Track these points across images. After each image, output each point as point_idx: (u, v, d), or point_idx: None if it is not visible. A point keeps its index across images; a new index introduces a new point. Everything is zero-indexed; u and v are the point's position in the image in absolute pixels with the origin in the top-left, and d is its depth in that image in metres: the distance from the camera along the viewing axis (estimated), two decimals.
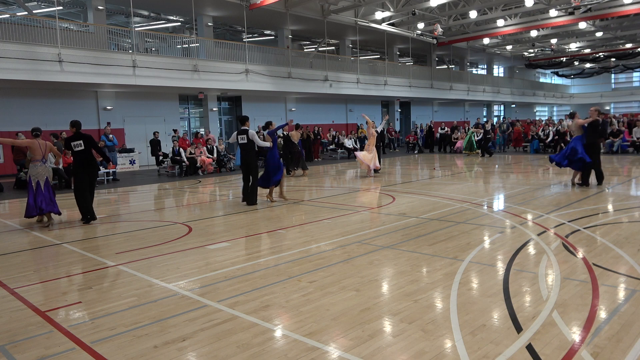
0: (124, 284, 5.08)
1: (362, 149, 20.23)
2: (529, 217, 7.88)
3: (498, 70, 46.70)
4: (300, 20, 24.68)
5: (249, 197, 10.03)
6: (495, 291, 4.45)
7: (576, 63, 42.03)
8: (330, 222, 7.97)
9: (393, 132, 30.58)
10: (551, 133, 23.00)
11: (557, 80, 51.87)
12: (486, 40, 33.02)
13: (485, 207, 9.05)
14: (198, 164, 17.65)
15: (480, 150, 22.25)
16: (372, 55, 35.98)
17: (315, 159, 23.27)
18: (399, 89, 30.07)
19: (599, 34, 32.85)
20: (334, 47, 32.65)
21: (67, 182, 14.46)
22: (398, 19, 26.96)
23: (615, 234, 6.49)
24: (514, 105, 45.48)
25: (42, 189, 8.28)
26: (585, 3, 24.41)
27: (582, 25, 28.67)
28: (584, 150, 10.81)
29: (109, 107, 20.77)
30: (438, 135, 27.46)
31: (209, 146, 18.49)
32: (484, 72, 44.29)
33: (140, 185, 15.08)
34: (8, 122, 18.00)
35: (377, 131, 15.57)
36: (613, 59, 40.90)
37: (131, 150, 20.63)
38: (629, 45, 37.60)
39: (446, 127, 27.28)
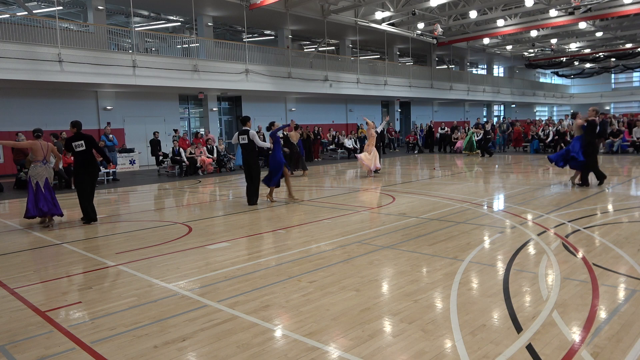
0: (124, 284, 5.08)
1: (362, 149, 20.24)
2: (529, 217, 7.88)
3: (498, 70, 46.70)
4: (300, 20, 24.68)
5: (250, 197, 10.05)
6: (495, 291, 4.45)
7: (576, 63, 42.03)
8: (330, 222, 7.97)
9: (393, 132, 30.58)
10: (551, 133, 23.00)
11: (557, 80, 51.88)
12: (486, 40, 33.02)
13: (485, 207, 9.05)
14: (198, 164, 17.66)
15: (480, 151, 22.24)
16: (372, 55, 35.98)
17: (315, 159, 23.28)
18: (399, 89, 30.07)
19: (599, 34, 32.85)
20: (334, 47, 32.65)
21: (67, 182, 14.47)
22: (398, 19, 26.96)
23: (615, 234, 6.49)
24: (514, 105, 45.49)
25: (42, 189, 8.27)
26: (585, 3, 24.41)
27: (582, 25, 28.66)
28: (580, 150, 10.85)
29: (109, 107, 20.77)
30: (438, 135, 27.46)
31: (209, 146, 18.50)
32: (484, 72, 44.29)
33: (140, 185, 15.08)
34: (8, 122, 18.01)
35: (376, 132, 15.58)
36: (613, 59, 40.90)
37: (131, 150, 20.63)
38: (629, 45, 37.60)
39: (446, 127, 27.28)
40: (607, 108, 48.00)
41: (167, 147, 19.83)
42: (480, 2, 24.88)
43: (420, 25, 27.56)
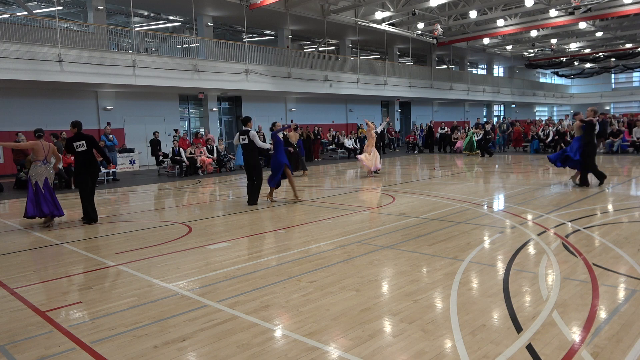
0: (124, 284, 5.08)
1: (361, 149, 20.24)
2: (529, 217, 7.88)
3: (498, 70, 46.70)
4: (300, 20, 24.68)
5: (250, 197, 10.06)
6: (495, 291, 4.45)
7: (576, 63, 42.03)
8: (330, 222, 7.97)
9: (393, 132, 30.58)
10: (551, 133, 23.00)
11: (557, 80, 51.87)
12: (486, 40, 33.02)
13: (485, 207, 9.05)
14: (198, 164, 17.66)
15: (480, 151, 22.24)
16: (372, 55, 35.98)
17: (315, 159, 23.28)
18: (399, 89, 30.07)
19: (599, 34, 32.85)
20: (334, 47, 32.65)
21: (67, 182, 14.47)
22: (398, 19, 26.96)
23: (615, 234, 6.49)
24: (514, 105, 45.49)
25: (41, 189, 8.26)
26: (585, 3, 24.41)
27: (582, 25, 28.66)
28: (577, 150, 10.91)
29: (109, 107, 20.77)
30: (438, 135, 27.46)
31: (209, 146, 18.50)
32: (484, 72, 44.30)
33: (140, 185, 15.08)
34: (8, 122, 18.01)
35: (376, 132, 15.57)
36: (613, 59, 40.90)
37: (131, 150, 20.63)
38: (629, 45, 37.60)
39: (446, 127, 27.27)
40: (607, 108, 48.01)
41: (167, 147, 19.84)
42: (480, 2, 24.88)
43: (420, 25, 27.56)
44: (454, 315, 3.92)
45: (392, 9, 24.70)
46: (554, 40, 34.62)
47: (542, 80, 51.66)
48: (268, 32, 29.40)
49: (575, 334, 3.50)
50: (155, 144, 19.07)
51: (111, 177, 16.33)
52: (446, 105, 39.06)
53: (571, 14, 25.23)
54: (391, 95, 30.67)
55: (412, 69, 31.94)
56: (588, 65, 43.18)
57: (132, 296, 4.64)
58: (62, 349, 3.54)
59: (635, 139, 20.75)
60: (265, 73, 22.60)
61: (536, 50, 40.07)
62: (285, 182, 10.82)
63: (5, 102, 18.12)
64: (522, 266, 5.18)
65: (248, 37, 26.24)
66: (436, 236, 6.72)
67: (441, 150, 27.01)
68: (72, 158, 9.15)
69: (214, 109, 24.56)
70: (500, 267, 5.22)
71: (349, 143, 24.25)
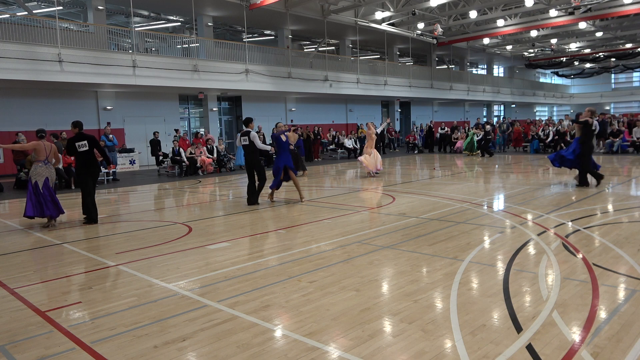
0: (124, 284, 5.09)
1: (361, 149, 20.23)
2: (529, 217, 7.88)
3: (498, 70, 46.70)
4: (300, 20, 24.68)
5: (250, 197, 10.06)
6: (495, 291, 4.45)
7: (576, 63, 42.04)
8: (330, 222, 7.97)
9: (393, 132, 30.58)
10: (551, 133, 23.00)
11: (557, 80, 51.88)
12: (486, 40, 33.02)
13: (485, 207, 9.05)
14: (198, 164, 17.66)
15: (480, 151, 22.24)
16: (372, 55, 35.98)
17: (315, 159, 23.28)
18: (399, 89, 30.07)
19: (599, 34, 32.86)
20: (334, 47, 32.65)
21: (67, 182, 14.47)
22: (398, 19, 26.96)
23: (615, 234, 6.49)
24: (514, 105, 45.50)
25: (40, 189, 8.25)
26: (585, 3, 24.41)
27: (582, 25, 28.67)
28: (573, 149, 10.98)
29: (109, 107, 20.78)
30: (438, 135, 27.46)
31: (209, 146, 18.50)
32: (484, 72, 44.30)
33: (140, 185, 15.08)
34: (8, 122, 18.01)
35: (376, 133, 15.54)
36: (613, 59, 40.91)
37: (131, 150, 20.63)
38: (629, 45, 37.60)
39: (446, 127, 27.27)
40: (607, 108, 48.02)
41: (167, 147, 19.84)
42: (480, 2, 24.88)
43: (420, 25, 27.56)
44: (454, 315, 3.92)
45: (392, 9, 24.70)
46: (554, 40, 34.62)
47: (542, 80, 51.67)
48: (268, 32, 29.40)
49: (575, 334, 3.51)
50: (155, 144, 19.07)
51: (111, 177, 16.33)
52: (446, 105, 39.06)
53: (571, 14, 25.23)
54: (391, 95, 30.67)
55: (412, 69, 31.94)
56: (588, 65, 43.19)
57: (132, 296, 4.64)
58: (62, 349, 3.54)
59: (635, 139, 20.75)
60: (265, 73, 22.60)
61: (536, 50, 40.08)
62: (285, 183, 10.76)
63: (5, 102, 18.12)
64: (522, 266, 5.18)
65: (248, 37, 26.24)
66: (436, 236, 6.72)
67: (441, 150, 27.01)
68: (72, 158, 9.12)
69: (214, 109, 24.56)
70: (500, 267, 5.22)
71: (349, 143, 24.25)
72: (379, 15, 25.16)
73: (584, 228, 6.90)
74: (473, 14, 25.38)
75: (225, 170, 18.74)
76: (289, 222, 8.24)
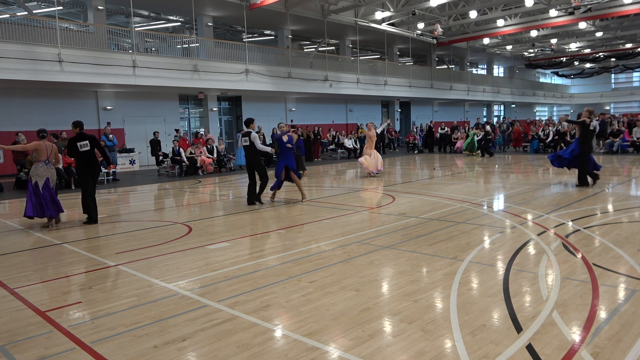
0: (124, 284, 5.09)
1: (361, 148, 20.21)
2: (529, 217, 7.88)
3: (498, 70, 46.70)
4: (300, 20, 24.68)
5: (251, 196, 10.07)
6: (495, 291, 4.45)
7: (576, 63, 42.04)
8: (330, 222, 7.97)
9: (393, 132, 30.57)
10: (551, 133, 23.00)
11: (557, 80, 51.88)
12: (486, 40, 33.02)
13: (485, 207, 9.05)
14: (198, 164, 17.66)
15: (480, 151, 22.24)
16: (372, 55, 35.98)
17: (315, 159, 23.28)
18: (399, 89, 30.07)
19: (599, 34, 32.86)
20: (334, 47, 32.65)
21: (67, 182, 14.47)
22: (398, 19, 26.96)
23: (615, 234, 6.49)
24: (514, 105, 45.50)
25: (40, 190, 8.25)
26: (585, 3, 24.41)
27: (582, 25, 28.67)
28: (573, 149, 11.02)
29: (109, 107, 20.78)
30: (438, 135, 27.46)
31: (209, 146, 18.50)
32: (484, 72, 44.30)
33: (140, 185, 15.08)
34: (8, 122, 18.01)
35: (377, 132, 15.51)
36: (613, 59, 40.91)
37: (131, 150, 20.63)
38: (629, 45, 37.60)
39: (446, 127, 27.27)
40: (607, 108, 48.03)
41: (167, 147, 19.84)
42: (480, 2, 24.88)
43: (420, 25, 27.56)
44: (454, 315, 3.92)
45: (392, 9, 24.70)
46: (554, 40, 34.62)
47: (542, 80, 51.67)
48: (268, 32, 29.40)
49: (575, 334, 3.51)
50: (155, 144, 19.07)
51: (111, 177, 16.33)
52: (446, 105, 39.06)
53: (571, 14, 25.23)
54: (391, 95, 30.67)
55: (412, 69, 31.94)
56: (588, 65, 43.19)
57: (132, 296, 4.64)
58: (62, 349, 3.54)
59: (635, 139, 20.75)
60: (265, 73, 22.60)
61: (536, 50, 40.08)
62: (287, 182, 10.75)
63: (5, 102, 18.12)
64: (522, 266, 5.18)
65: (248, 37, 26.24)
66: (436, 236, 6.72)
67: (441, 150, 27.00)
68: (72, 158, 9.12)
69: (214, 109, 24.56)
70: (500, 267, 5.22)
71: (349, 143, 24.24)
72: (379, 15, 25.16)
73: (584, 228, 6.90)
74: (473, 14, 25.38)
75: (225, 170, 18.74)
76: (289, 222, 8.24)
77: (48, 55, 16.13)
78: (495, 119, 40.20)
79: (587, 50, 39.77)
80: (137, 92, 21.19)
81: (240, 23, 23.67)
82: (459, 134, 26.13)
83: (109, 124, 19.06)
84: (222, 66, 21.01)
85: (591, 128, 10.91)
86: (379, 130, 16.32)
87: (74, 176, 14.28)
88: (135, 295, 4.67)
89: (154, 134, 19.20)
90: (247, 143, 9.94)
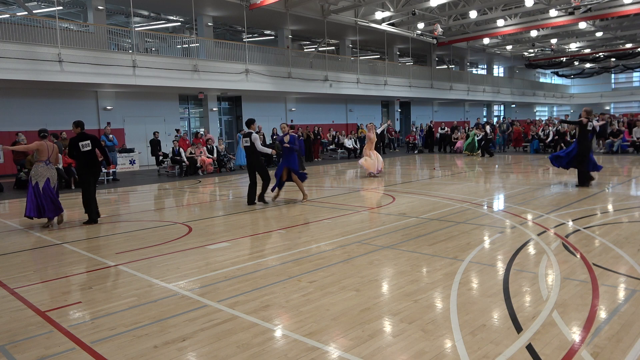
0: (124, 284, 5.09)
1: (361, 149, 20.19)
2: (529, 217, 7.88)
3: (498, 70, 46.70)
4: (300, 20, 24.68)
5: (251, 197, 10.08)
6: (495, 291, 4.45)
7: (576, 63, 42.04)
8: (330, 222, 7.97)
9: (393, 132, 30.57)
10: (551, 133, 23.00)
11: (557, 80, 51.88)
12: (486, 40, 33.02)
13: (485, 207, 9.05)
14: (198, 164, 17.66)
15: (480, 151, 22.24)
16: (372, 55, 35.98)
17: (315, 159, 23.28)
18: (399, 89, 30.07)
19: (599, 34, 32.85)
20: (334, 47, 32.65)
21: (67, 182, 14.46)
22: (398, 19, 26.96)
23: (615, 234, 6.49)
24: (514, 105, 45.50)
25: (40, 190, 8.24)
26: (585, 3, 24.41)
27: (582, 25, 28.66)
28: (572, 149, 11.04)
29: (109, 107, 20.78)
30: (438, 135, 27.46)
31: (209, 146, 18.50)
32: (484, 72, 44.30)
33: (140, 185, 15.08)
34: (8, 122, 18.01)
35: (376, 133, 15.49)
36: (613, 59, 40.91)
37: (131, 150, 20.63)
38: (629, 45, 37.60)
39: (446, 127, 27.28)
40: (607, 108, 48.02)
41: (167, 147, 19.84)
42: (480, 2, 24.88)
43: (420, 25, 27.56)
44: (454, 315, 3.92)
45: (392, 9, 24.70)
46: (554, 40, 34.62)
47: (542, 80, 51.68)
48: (268, 32, 29.40)
49: (575, 334, 3.51)
50: (155, 144, 19.07)
51: (111, 177, 16.33)
52: (446, 105, 39.06)
53: (571, 14, 25.23)
54: (391, 95, 30.67)
55: (412, 69, 31.94)
56: (588, 65, 43.20)
57: (132, 296, 4.64)
58: (62, 349, 3.54)
59: (635, 139, 20.75)
60: (265, 73, 22.60)
61: (536, 50, 40.08)
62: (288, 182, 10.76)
63: (5, 102, 18.12)
64: (522, 266, 5.18)
65: (248, 37, 26.24)
66: (436, 236, 6.72)
67: (441, 150, 27.01)
68: (71, 157, 9.09)
69: (214, 109, 24.56)
70: (500, 267, 5.22)
71: (349, 143, 24.24)
72: (379, 15, 25.16)
73: (584, 228, 6.90)
74: (473, 14, 25.38)
75: (225, 170, 18.74)
76: (289, 222, 8.24)
77: (48, 55, 16.13)
78: (495, 119, 40.21)
79: (587, 50, 39.77)
80: (137, 92, 21.19)
81: (240, 23, 23.67)
82: (459, 134, 26.13)
83: (109, 124, 19.05)
84: (222, 66, 21.01)
85: (589, 128, 10.90)
86: (379, 131, 16.30)
87: (74, 176, 14.28)
88: (135, 295, 4.67)
89: (154, 134, 19.20)
90: (248, 144, 9.95)
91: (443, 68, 37.95)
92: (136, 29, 21.67)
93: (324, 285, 4.75)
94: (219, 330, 3.78)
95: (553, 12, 25.33)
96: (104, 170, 15.34)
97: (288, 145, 10.20)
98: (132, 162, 20.46)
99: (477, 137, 22.53)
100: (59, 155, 10.98)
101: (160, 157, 18.86)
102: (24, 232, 8.10)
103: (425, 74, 32.74)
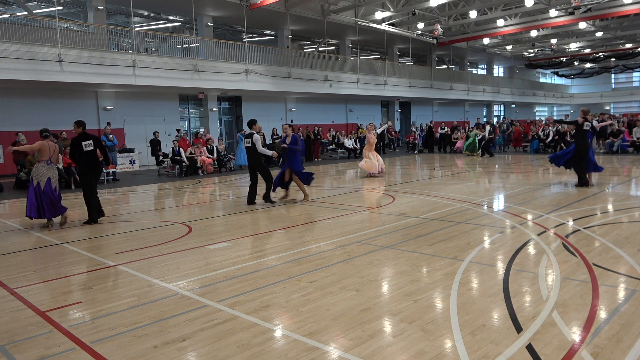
0: (124, 284, 5.09)
1: (361, 149, 20.18)
2: (529, 217, 7.88)
3: (498, 70, 46.70)
4: (300, 20, 24.68)
5: (251, 197, 10.08)
6: (495, 291, 4.45)
7: (576, 63, 42.04)
8: (330, 222, 7.97)
9: (393, 132, 30.57)
10: (551, 133, 23.00)
11: (557, 80, 51.88)
12: (486, 40, 33.02)
13: (485, 207, 9.05)
14: (198, 164, 17.66)
15: (480, 151, 22.24)
16: (372, 55, 35.98)
17: (315, 159, 23.28)
18: (399, 89, 30.07)
19: (599, 34, 32.85)
20: (334, 47, 32.65)
21: (67, 182, 14.46)
22: (398, 19, 26.96)
23: (615, 234, 6.49)
24: (514, 105, 45.50)
25: (41, 190, 8.23)
26: (585, 3, 24.41)
27: (582, 25, 28.66)
28: (570, 149, 11.08)
29: (109, 107, 20.78)
30: (438, 135, 27.46)
31: (209, 146, 18.50)
32: (484, 72, 44.30)
33: (140, 185, 15.08)
34: (8, 122, 18.01)
35: (376, 133, 15.47)
36: (613, 59, 40.91)
37: (131, 150, 20.63)
38: (629, 45, 37.60)
39: (446, 127, 27.28)
40: (607, 108, 48.02)
41: (167, 147, 19.84)
42: (480, 2, 24.88)
43: (420, 25, 27.56)
44: (454, 315, 3.92)
45: (392, 9, 24.70)
46: (554, 40, 34.61)
47: (542, 80, 51.67)
48: (268, 32, 29.40)
49: (575, 334, 3.51)
50: (155, 144, 19.07)
51: (111, 177, 16.33)
52: (446, 105, 39.06)
53: (571, 14, 25.23)
54: (391, 95, 30.67)
55: (412, 69, 31.94)
56: (588, 65, 43.20)
57: (132, 296, 4.64)
58: (62, 349, 3.54)
59: (635, 139, 20.75)
60: (265, 73, 22.60)
61: (536, 50, 40.07)
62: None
63: (5, 102, 18.12)
64: (522, 266, 5.18)
65: (248, 37, 26.24)
66: (436, 236, 6.72)
67: (441, 150, 27.00)
68: (71, 157, 9.09)
69: (214, 109, 24.56)
70: (500, 267, 5.22)
71: (349, 143, 24.24)
72: (379, 15, 25.15)
73: (584, 228, 6.90)
74: (473, 14, 25.38)
75: (225, 170, 18.74)
76: (289, 222, 8.24)
77: (48, 55, 16.13)
78: (495, 119, 40.21)
79: (587, 50, 39.77)
80: (137, 92, 21.19)
81: (240, 23, 23.67)
82: (459, 134, 26.13)
83: (109, 124, 19.06)
84: (222, 66, 21.01)
85: (585, 128, 10.88)
86: (379, 131, 16.27)
87: (74, 176, 14.28)
88: (135, 295, 4.67)
89: (154, 134, 19.20)
90: (249, 144, 9.97)
91: (443, 68, 37.95)
92: (136, 29, 21.68)
93: (324, 285, 4.75)
94: (219, 330, 3.78)
95: (553, 12, 25.33)
96: (104, 170, 15.34)
97: (285, 145, 10.23)
98: (132, 162, 20.47)
99: (478, 137, 22.53)
100: (59, 155, 10.98)
101: (160, 157, 18.86)
102: (24, 232, 8.10)
103: (425, 74, 32.74)
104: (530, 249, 5.89)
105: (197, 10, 21.24)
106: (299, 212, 9.12)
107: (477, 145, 22.47)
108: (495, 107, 46.43)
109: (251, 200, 10.09)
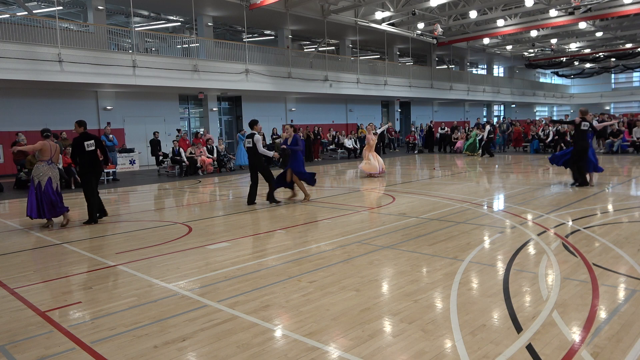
0: (124, 284, 5.09)
1: (361, 149, 20.18)
2: (529, 217, 7.88)
3: (498, 70, 46.69)
4: (300, 20, 24.68)
5: (252, 197, 10.09)
6: (495, 291, 4.45)
7: (576, 63, 42.03)
8: (330, 222, 7.97)
9: (393, 132, 30.57)
10: (551, 133, 22.99)
11: (557, 80, 51.88)
12: (486, 40, 33.01)
13: (485, 207, 9.05)
14: (198, 164, 17.66)
15: (480, 151, 22.24)
16: (372, 55, 35.97)
17: (315, 159, 23.28)
18: (399, 89, 30.07)
19: (599, 34, 32.85)
20: (334, 47, 32.65)
21: (67, 182, 14.46)
22: (398, 19, 26.96)
23: (615, 234, 6.49)
24: (514, 105, 45.50)
25: (42, 190, 8.23)
26: (585, 3, 24.41)
27: (582, 25, 28.66)
28: (569, 149, 11.12)
29: (109, 107, 20.77)
30: (438, 135, 27.46)
31: (208, 146, 18.49)
32: (484, 72, 44.29)
33: (140, 185, 15.08)
34: (8, 122, 18.01)
35: (375, 133, 15.46)
36: (613, 59, 40.90)
37: (131, 150, 20.63)
38: (629, 45, 37.60)
39: (446, 127, 27.28)
40: (607, 108, 48.02)
41: (167, 147, 19.84)
42: (480, 2, 24.88)
43: (420, 25, 27.56)
44: (454, 315, 3.92)
45: (392, 9, 24.70)
46: (554, 40, 34.61)
47: (542, 80, 51.67)
48: (268, 32, 29.40)
49: (575, 334, 3.51)
50: (155, 144, 19.07)
51: (111, 177, 16.33)
52: (446, 105, 39.06)
53: (571, 14, 25.23)
54: (391, 95, 30.67)
55: (412, 69, 31.94)
56: (588, 65, 43.19)
57: (132, 296, 4.64)
58: (62, 349, 3.54)
59: (635, 139, 20.75)
60: (265, 73, 22.60)
61: (536, 50, 40.07)
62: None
63: (5, 102, 18.12)
64: (522, 266, 5.18)
65: (248, 37, 26.24)
66: (436, 236, 6.72)
67: (441, 150, 27.00)
68: (71, 157, 9.08)
69: (214, 109, 24.56)
70: (500, 267, 5.22)
71: (349, 143, 24.24)
72: (379, 15, 25.15)
73: (584, 228, 6.90)
74: (473, 14, 25.38)
75: (225, 170, 18.74)
76: (289, 222, 8.24)
77: (48, 55, 16.13)
78: (495, 119, 40.21)
79: (587, 50, 39.77)
80: (137, 92, 21.19)
81: (240, 23, 23.67)
82: (459, 134, 26.12)
83: (109, 124, 19.06)
84: (222, 66, 21.01)
85: (584, 128, 10.87)
86: (379, 131, 16.27)
87: (74, 176, 14.28)
88: (135, 295, 4.67)
89: (154, 134, 19.20)
90: (250, 145, 9.99)
91: (443, 68, 37.94)
92: (136, 29, 21.67)
93: (324, 285, 4.75)
94: (219, 330, 3.78)
95: (553, 12, 25.32)
96: (104, 170, 15.34)
97: (285, 147, 10.25)
98: (132, 162, 20.47)
99: (478, 137, 22.52)
100: (60, 155, 10.98)
101: (160, 157, 18.86)
102: (24, 232, 8.10)
103: (425, 74, 32.73)
104: (530, 249, 5.89)
105: (197, 10, 21.24)
106: (299, 212, 9.12)
107: (477, 145, 22.46)
108: (495, 107, 46.43)
109: (251, 200, 10.09)
